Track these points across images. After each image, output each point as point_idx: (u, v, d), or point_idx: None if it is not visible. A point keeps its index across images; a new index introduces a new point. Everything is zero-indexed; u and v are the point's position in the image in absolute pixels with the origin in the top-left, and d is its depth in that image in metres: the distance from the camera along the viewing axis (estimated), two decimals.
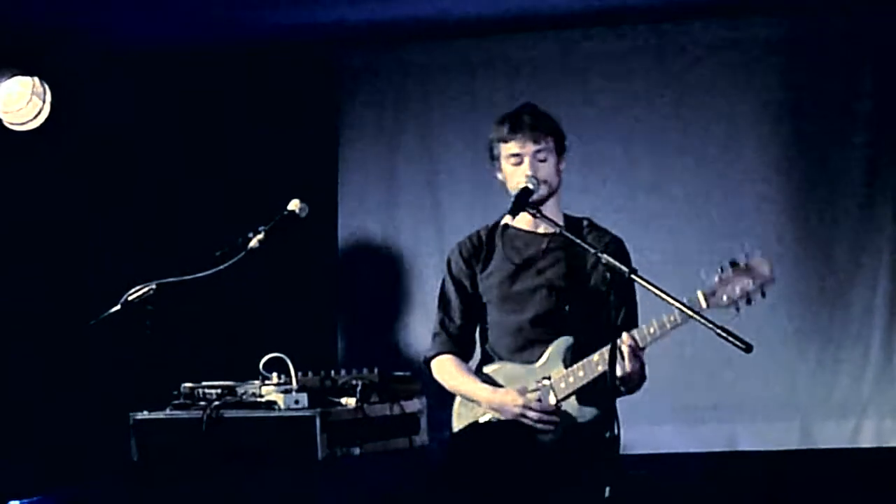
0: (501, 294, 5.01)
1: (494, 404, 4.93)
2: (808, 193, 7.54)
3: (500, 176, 5.08)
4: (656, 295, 4.53)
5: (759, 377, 7.41)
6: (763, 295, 4.70)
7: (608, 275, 4.59)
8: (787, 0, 7.46)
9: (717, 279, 4.68)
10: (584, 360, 4.82)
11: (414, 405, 5.68)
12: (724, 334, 4.35)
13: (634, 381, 4.77)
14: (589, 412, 4.85)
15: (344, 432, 5.32)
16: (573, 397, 4.85)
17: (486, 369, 5.04)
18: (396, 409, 5.58)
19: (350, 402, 5.43)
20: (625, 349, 4.71)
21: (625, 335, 4.71)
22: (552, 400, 4.86)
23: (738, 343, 4.34)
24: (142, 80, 7.86)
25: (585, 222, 5.07)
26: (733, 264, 4.69)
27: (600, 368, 4.78)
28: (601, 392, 4.80)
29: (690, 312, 4.50)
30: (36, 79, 7.24)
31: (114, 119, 7.81)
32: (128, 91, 7.83)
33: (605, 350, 4.73)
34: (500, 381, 4.97)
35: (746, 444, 7.55)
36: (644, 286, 4.55)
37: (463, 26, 7.70)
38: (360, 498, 5.52)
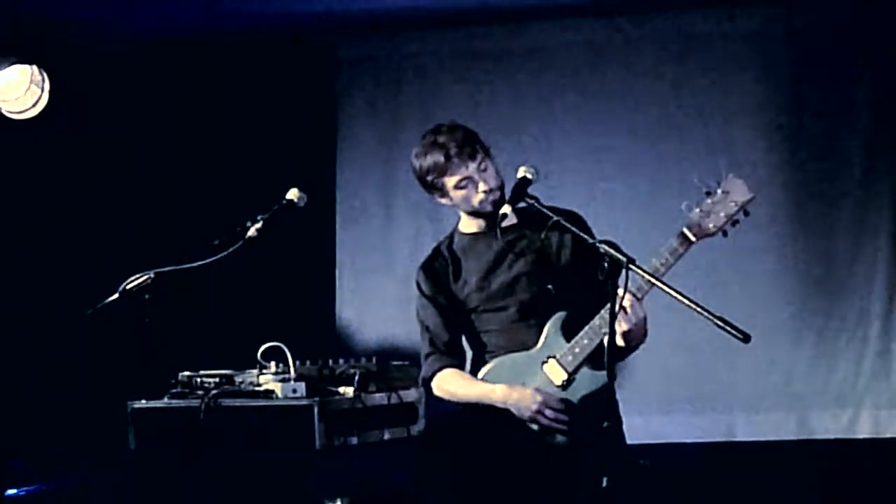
0: (483, 296, 4.99)
1: (511, 403, 4.88)
2: (807, 185, 7.54)
3: (445, 201, 5.07)
4: (654, 285, 4.54)
5: (756, 367, 7.42)
6: (746, 213, 4.72)
7: (605, 264, 4.58)
8: None
9: (698, 211, 4.71)
10: (586, 327, 4.79)
11: (411, 394, 5.69)
12: (722, 324, 4.35)
13: (640, 335, 4.76)
14: (601, 376, 4.82)
15: (342, 421, 5.33)
16: (585, 366, 4.83)
17: (482, 372, 4.98)
18: (394, 399, 5.58)
19: (348, 391, 5.43)
20: (627, 304, 4.70)
21: (618, 293, 4.70)
22: (559, 380, 4.85)
23: (736, 333, 4.34)
24: (140, 70, 7.85)
25: (533, 208, 4.94)
26: (708, 193, 4.71)
27: (604, 331, 4.75)
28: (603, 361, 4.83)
29: (688, 303, 4.49)
30: (34, 67, 7.24)
31: (112, 108, 7.80)
32: (126, 80, 7.82)
33: (604, 311, 4.73)
34: (503, 375, 4.95)
35: (744, 435, 7.56)
36: (641, 275, 4.55)
37: (461, 15, 7.70)
38: (358, 487, 5.52)
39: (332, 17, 7.64)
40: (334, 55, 8.08)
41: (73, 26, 7.48)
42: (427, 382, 5.08)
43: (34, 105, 7.26)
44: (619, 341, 4.74)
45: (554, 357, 4.86)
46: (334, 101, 8.09)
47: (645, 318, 4.76)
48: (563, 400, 4.83)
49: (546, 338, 4.89)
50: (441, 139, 5.04)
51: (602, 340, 4.77)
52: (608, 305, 4.64)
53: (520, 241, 5.00)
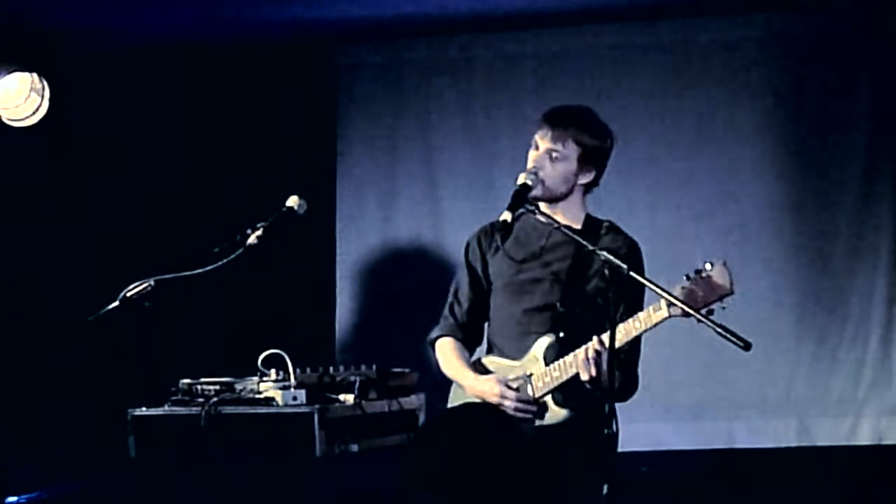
0: (505, 281, 5.02)
1: (476, 391, 4.97)
2: (807, 193, 7.54)
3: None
4: (655, 292, 4.54)
5: (757, 374, 7.42)
6: (723, 307, 4.66)
7: (607, 271, 4.58)
8: None
9: (679, 288, 4.65)
10: (559, 361, 4.83)
11: (412, 402, 5.68)
12: (723, 332, 4.36)
13: (601, 386, 4.70)
14: (562, 414, 4.86)
15: (342, 429, 5.32)
16: (549, 397, 4.87)
17: (484, 359, 5.07)
18: (395, 406, 5.58)
19: (348, 398, 5.43)
20: (582, 354, 4.72)
21: (594, 339, 4.71)
22: (530, 395, 4.88)
23: (736, 341, 4.34)
24: (140, 76, 7.86)
25: (606, 223, 5.05)
26: (696, 273, 4.65)
27: (572, 370, 4.79)
28: (583, 393, 4.82)
29: (689, 310, 4.50)
30: (35, 75, 7.24)
31: (112, 115, 7.80)
32: (126, 86, 7.83)
33: (580, 351, 4.74)
34: (492, 371, 4.99)
35: (744, 442, 7.56)
36: (644, 283, 4.55)
37: (461, 22, 7.70)
38: (359, 494, 5.52)
39: (331, 23, 7.65)
40: (334, 61, 8.09)
41: (73, 34, 7.48)
42: (432, 344, 5.19)
43: (34, 113, 7.26)
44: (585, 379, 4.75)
45: (530, 376, 4.90)
46: (334, 108, 8.09)
47: (610, 371, 4.64)
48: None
49: (531, 355, 4.92)
50: (565, 108, 5.06)
51: (570, 379, 4.80)
52: (580, 348, 4.68)
53: (565, 246, 4.98)
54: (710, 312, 4.57)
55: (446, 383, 5.17)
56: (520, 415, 4.87)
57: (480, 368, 5.06)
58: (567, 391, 4.85)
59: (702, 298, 4.60)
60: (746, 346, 4.33)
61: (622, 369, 4.77)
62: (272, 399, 5.34)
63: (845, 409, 7.48)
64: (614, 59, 7.76)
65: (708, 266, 4.62)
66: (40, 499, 7.27)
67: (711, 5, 7.53)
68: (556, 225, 4.86)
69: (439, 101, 7.97)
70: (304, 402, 5.33)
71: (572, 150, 4.97)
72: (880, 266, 7.47)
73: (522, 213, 4.95)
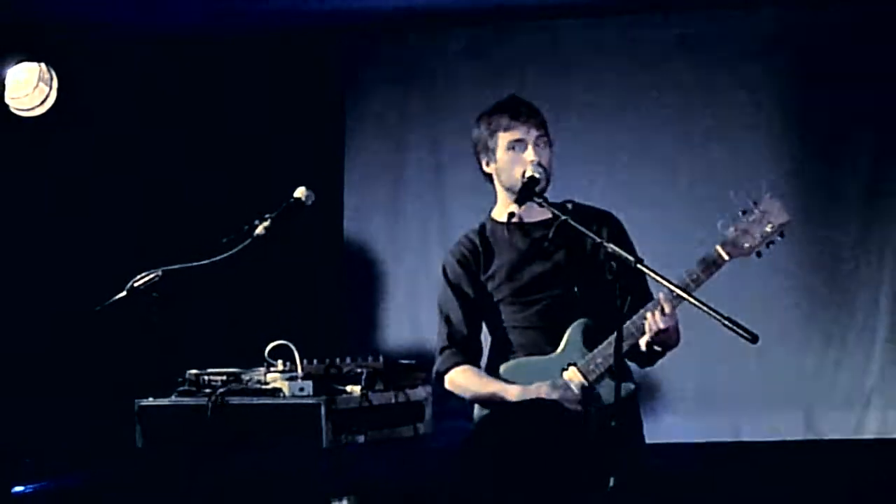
0: (512, 288, 5.00)
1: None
2: (814, 186, 7.54)
3: (489, 168, 5.07)
4: (659, 283, 4.54)
5: (763, 367, 7.42)
6: (782, 235, 4.68)
7: (613, 264, 4.57)
8: None
9: (733, 229, 4.67)
10: (610, 337, 4.76)
11: (419, 393, 5.67)
12: (729, 324, 4.35)
13: (673, 339, 4.76)
14: (627, 387, 4.85)
15: (349, 420, 5.31)
16: (606, 377, 4.83)
17: (503, 369, 5.02)
18: (401, 398, 5.56)
19: (355, 389, 5.42)
20: (666, 307, 4.70)
21: (661, 294, 4.69)
22: (576, 389, 4.84)
23: (743, 333, 4.34)
24: (148, 67, 7.87)
25: (570, 205, 4.99)
26: (745, 212, 4.66)
27: (628, 342, 4.75)
28: (628, 368, 4.87)
29: (696, 302, 4.49)
30: (43, 65, 7.24)
31: (120, 106, 7.82)
32: (133, 78, 7.83)
33: (631, 323, 4.74)
34: (520, 377, 4.95)
35: (750, 435, 7.56)
36: (650, 275, 4.55)
37: (470, 16, 7.70)
38: (365, 485, 5.52)
39: (340, 16, 7.65)
40: (342, 54, 8.09)
41: (83, 24, 7.48)
42: (440, 377, 5.14)
43: (42, 103, 7.27)
44: (643, 344, 4.74)
45: (574, 364, 4.85)
46: (342, 100, 8.10)
47: (677, 326, 4.74)
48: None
49: (567, 343, 4.89)
50: (514, 101, 5.06)
51: (627, 349, 4.77)
52: (636, 315, 4.67)
53: (555, 239, 4.97)
54: (770, 245, 4.68)
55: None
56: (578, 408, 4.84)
57: (505, 380, 5.00)
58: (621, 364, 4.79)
59: (761, 233, 4.68)
60: (753, 339, 4.33)
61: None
62: (279, 390, 5.33)
63: (852, 402, 7.49)
64: (623, 53, 7.76)
65: (754, 203, 4.61)
66: (47, 489, 7.27)
67: (720, 1, 7.53)
68: (563, 217, 4.85)
69: (447, 95, 7.97)
70: (311, 392, 5.32)
71: (546, 131, 5.03)
72: (887, 258, 7.47)
73: (482, 225, 5.02)
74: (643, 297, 4.85)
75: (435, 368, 5.15)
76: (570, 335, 4.89)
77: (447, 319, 5.12)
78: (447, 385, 5.12)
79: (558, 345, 4.90)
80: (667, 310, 4.69)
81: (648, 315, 4.71)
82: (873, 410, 7.46)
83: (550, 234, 4.99)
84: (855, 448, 7.42)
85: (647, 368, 5.03)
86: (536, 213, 4.97)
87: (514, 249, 5.02)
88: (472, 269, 5.08)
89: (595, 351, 4.83)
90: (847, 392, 7.49)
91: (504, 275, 5.01)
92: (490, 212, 5.15)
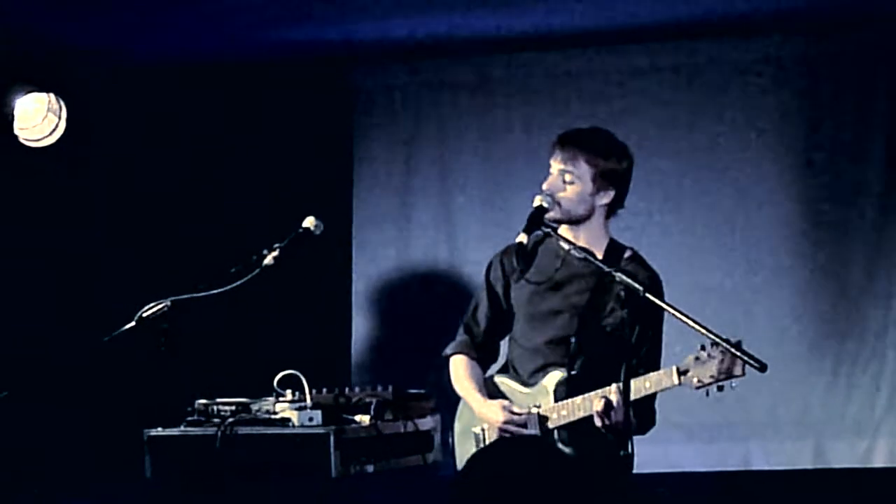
0: (527, 312, 5.04)
1: (481, 414, 5.03)
2: (823, 213, 7.53)
3: None
4: (674, 315, 4.52)
5: (772, 396, 7.40)
6: (732, 386, 4.65)
7: (622, 293, 4.58)
8: (804, 19, 7.46)
9: (693, 358, 4.65)
10: (569, 400, 4.84)
11: (427, 423, 5.68)
12: (738, 353, 4.35)
13: (619, 431, 4.70)
14: (567, 451, 4.88)
15: (358, 449, 5.32)
16: (555, 433, 4.89)
17: (497, 378, 5.12)
18: (410, 427, 5.58)
19: (364, 419, 5.43)
20: (597, 404, 4.73)
21: (613, 386, 4.71)
22: (533, 428, 4.88)
23: (752, 362, 4.34)
24: (158, 97, 7.88)
25: (629, 252, 5.03)
26: (703, 348, 4.64)
27: (581, 413, 4.81)
28: (593, 431, 4.82)
29: (704, 331, 4.49)
30: (52, 95, 7.26)
31: (129, 135, 7.83)
32: (144, 107, 7.85)
33: (593, 396, 4.76)
34: (504, 393, 5.02)
35: (760, 464, 7.54)
36: (660, 305, 4.55)
37: (477, 43, 7.71)
38: None
39: (349, 44, 7.67)
40: (351, 83, 8.10)
41: (92, 54, 7.51)
42: (447, 358, 5.23)
43: (51, 133, 7.28)
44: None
45: (538, 407, 4.90)
46: (350, 129, 8.11)
47: (624, 423, 4.66)
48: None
49: (541, 386, 4.93)
50: (579, 131, 5.07)
51: (580, 420, 4.81)
52: (592, 392, 4.71)
53: (587, 277, 4.98)
54: (721, 389, 4.60)
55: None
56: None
57: (492, 387, 5.10)
58: (576, 430, 4.86)
59: (713, 374, 4.59)
60: (762, 368, 4.33)
61: (639, 408, 4.77)
62: (288, 420, 5.34)
63: (861, 431, 7.46)
64: (630, 81, 7.76)
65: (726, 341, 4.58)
66: None
67: (726, 27, 7.53)
68: (573, 246, 4.86)
69: (455, 123, 7.98)
70: (320, 422, 5.34)
71: (585, 171, 4.97)
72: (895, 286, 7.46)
73: (543, 236, 4.96)
74: (655, 338, 4.87)
75: (446, 349, 5.23)
76: (547, 380, 4.93)
77: (475, 308, 5.21)
78: (450, 366, 5.20)
79: (539, 382, 4.94)
80: (613, 402, 4.69)
81: (594, 399, 4.75)
82: (882, 439, 7.44)
83: (559, 266, 5.00)
84: (864, 477, 7.39)
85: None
86: (590, 242, 4.96)
87: (546, 270, 5.02)
88: (508, 275, 5.13)
89: (558, 404, 4.87)
90: (856, 421, 7.46)
91: (525, 296, 5.04)
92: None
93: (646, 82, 7.74)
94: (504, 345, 5.24)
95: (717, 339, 4.42)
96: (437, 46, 7.76)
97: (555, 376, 4.90)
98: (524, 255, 4.98)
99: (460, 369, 5.16)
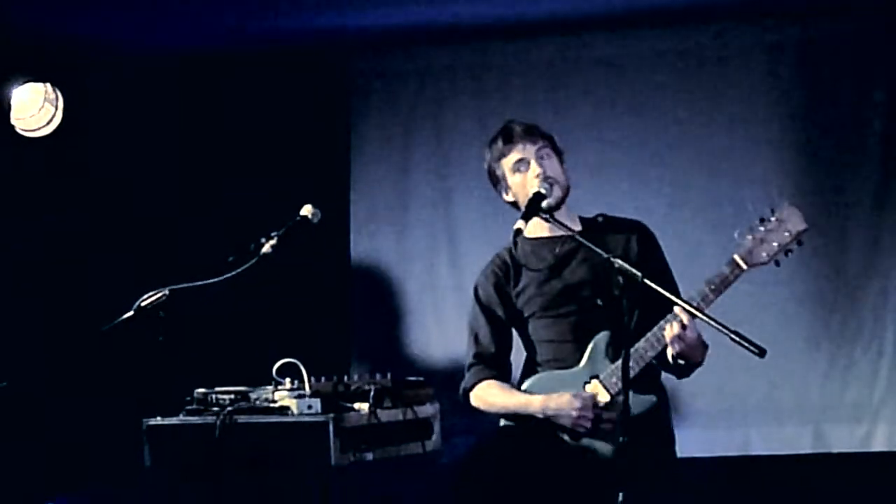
0: (541, 303, 5.01)
1: (551, 410, 4.91)
2: (821, 197, 7.53)
3: (508, 196, 5.10)
4: (667, 300, 4.53)
5: (771, 381, 7.42)
6: (800, 243, 4.68)
7: (620, 279, 4.57)
8: (800, 4, 7.45)
9: (750, 238, 4.67)
10: (636, 345, 4.77)
11: (427, 410, 5.67)
12: (737, 339, 4.35)
13: (695, 356, 4.78)
14: (647, 400, 4.85)
15: (357, 437, 5.31)
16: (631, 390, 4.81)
17: (527, 384, 5.02)
18: (409, 415, 5.56)
19: (363, 407, 5.42)
20: (684, 318, 4.69)
21: (677, 308, 4.68)
22: (602, 400, 4.85)
23: (751, 347, 4.34)
24: (155, 85, 7.88)
25: (600, 218, 5.09)
26: (762, 220, 4.67)
27: (650, 355, 4.77)
28: (653, 379, 4.86)
29: (703, 316, 4.49)
30: (48, 85, 7.25)
31: (127, 124, 7.83)
32: (141, 96, 7.85)
33: (651, 335, 4.75)
34: (544, 391, 4.95)
35: (759, 449, 7.55)
36: (657, 289, 4.54)
37: (476, 30, 7.71)
38: (374, 503, 5.53)
39: (345, 32, 7.66)
40: (348, 70, 8.10)
41: (89, 44, 7.51)
42: (466, 393, 5.16)
43: (48, 123, 7.28)
44: (669, 356, 4.74)
45: (597, 377, 4.86)
46: (348, 117, 8.11)
47: (699, 340, 4.74)
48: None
49: (589, 356, 4.89)
50: (507, 125, 5.09)
51: (649, 363, 4.78)
52: (655, 327, 4.67)
53: (580, 251, 4.99)
54: (788, 253, 4.68)
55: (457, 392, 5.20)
56: (603, 426, 4.86)
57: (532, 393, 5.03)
58: (642, 379, 4.81)
59: (779, 243, 4.68)
60: (761, 353, 4.32)
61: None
62: (287, 408, 5.33)
63: (860, 415, 7.47)
64: (627, 68, 7.76)
65: (772, 211, 4.61)
66: None
67: (725, 12, 7.53)
68: (571, 233, 4.87)
69: (453, 110, 7.98)
70: (319, 410, 5.33)
71: (547, 143, 5.06)
72: (894, 272, 7.46)
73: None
74: (663, 307, 4.85)
75: (462, 386, 5.18)
76: (593, 348, 4.89)
77: (476, 338, 5.14)
78: (473, 401, 5.14)
79: (581, 358, 4.91)
80: (685, 321, 4.68)
81: (667, 326, 4.71)
82: (881, 423, 7.45)
83: (567, 248, 5.00)
84: (863, 461, 7.40)
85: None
86: (568, 220, 4.97)
87: (543, 264, 5.03)
88: (503, 288, 5.10)
89: (617, 363, 4.83)
90: (855, 405, 7.47)
91: (533, 290, 5.03)
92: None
93: (645, 68, 7.73)
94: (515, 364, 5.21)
95: (715, 323, 4.42)
96: (436, 33, 7.75)
97: (601, 339, 4.88)
98: (513, 263, 5.06)
99: (495, 390, 5.07)
